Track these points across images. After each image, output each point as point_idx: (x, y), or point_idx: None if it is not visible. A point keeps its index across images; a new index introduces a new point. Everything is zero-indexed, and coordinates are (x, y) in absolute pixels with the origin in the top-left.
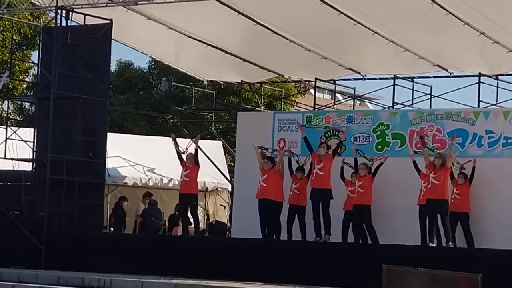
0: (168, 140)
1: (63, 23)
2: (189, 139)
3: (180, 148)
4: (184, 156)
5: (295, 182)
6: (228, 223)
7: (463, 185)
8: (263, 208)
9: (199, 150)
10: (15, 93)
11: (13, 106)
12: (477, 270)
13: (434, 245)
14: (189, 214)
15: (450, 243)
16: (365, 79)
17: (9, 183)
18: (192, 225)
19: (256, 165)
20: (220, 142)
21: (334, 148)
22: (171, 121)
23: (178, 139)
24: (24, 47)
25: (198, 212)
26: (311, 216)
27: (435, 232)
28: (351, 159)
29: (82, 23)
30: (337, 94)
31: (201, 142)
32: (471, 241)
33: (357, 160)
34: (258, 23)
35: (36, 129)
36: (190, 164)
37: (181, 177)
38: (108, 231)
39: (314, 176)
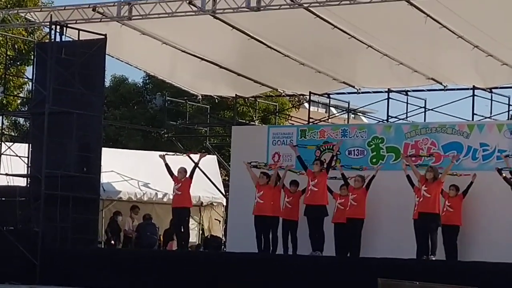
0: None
1: (57, 39)
2: (185, 154)
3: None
4: (175, 170)
5: (287, 195)
6: (223, 238)
7: (455, 197)
8: (259, 224)
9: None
10: (9, 109)
11: (8, 122)
12: (472, 283)
13: (434, 258)
14: None
15: (432, 256)
16: (359, 93)
17: (3, 199)
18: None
19: (251, 179)
20: (215, 156)
21: (327, 162)
22: (165, 135)
23: (171, 155)
24: (18, 63)
25: (193, 226)
26: (303, 231)
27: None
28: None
29: (76, 39)
30: (331, 108)
31: (196, 157)
32: (455, 253)
33: (345, 175)
34: (252, 38)
35: (30, 145)
36: (182, 178)
37: (173, 191)
38: (103, 246)
39: (309, 193)
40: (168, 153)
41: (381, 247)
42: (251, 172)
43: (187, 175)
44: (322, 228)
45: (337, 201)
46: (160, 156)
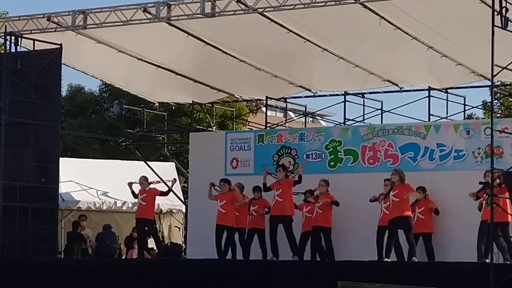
0: (121, 163)
1: (12, 49)
2: (143, 161)
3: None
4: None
5: (253, 204)
6: (183, 245)
7: (424, 200)
8: (220, 232)
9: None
10: None
11: None
12: (432, 283)
13: (389, 260)
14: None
15: (414, 258)
16: (316, 96)
17: None
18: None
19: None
20: (173, 163)
21: (296, 180)
22: (123, 144)
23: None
24: None
25: None
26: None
27: (393, 248)
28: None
29: (32, 49)
30: (289, 112)
31: (154, 164)
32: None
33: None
34: (208, 44)
35: None
36: (146, 187)
37: (137, 201)
38: (62, 257)
39: (274, 203)
40: (135, 181)
41: (342, 250)
42: (210, 189)
43: (158, 191)
44: (291, 232)
45: (304, 210)
46: (128, 184)
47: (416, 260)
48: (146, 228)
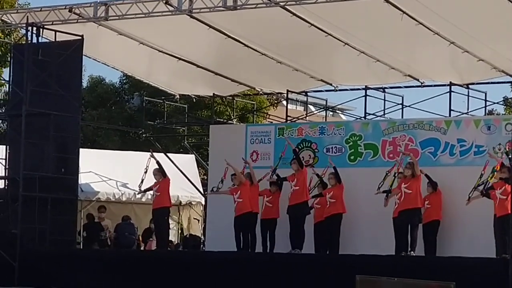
0: (141, 154)
1: (34, 40)
2: (163, 153)
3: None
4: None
5: (267, 195)
6: (202, 237)
7: (431, 194)
8: (238, 223)
9: (160, 163)
10: None
11: None
12: (450, 279)
13: (414, 254)
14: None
15: (413, 252)
16: (336, 90)
17: None
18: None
19: (229, 178)
20: (193, 155)
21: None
22: (143, 135)
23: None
24: None
25: (172, 226)
26: (283, 230)
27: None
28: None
29: (53, 40)
30: (309, 106)
31: (174, 156)
32: (434, 249)
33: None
34: (229, 37)
35: (8, 146)
36: (159, 179)
37: (153, 194)
38: (81, 247)
39: (291, 193)
40: (141, 183)
41: (361, 244)
42: (236, 168)
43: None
44: (303, 227)
45: (314, 201)
46: (140, 191)
47: (413, 254)
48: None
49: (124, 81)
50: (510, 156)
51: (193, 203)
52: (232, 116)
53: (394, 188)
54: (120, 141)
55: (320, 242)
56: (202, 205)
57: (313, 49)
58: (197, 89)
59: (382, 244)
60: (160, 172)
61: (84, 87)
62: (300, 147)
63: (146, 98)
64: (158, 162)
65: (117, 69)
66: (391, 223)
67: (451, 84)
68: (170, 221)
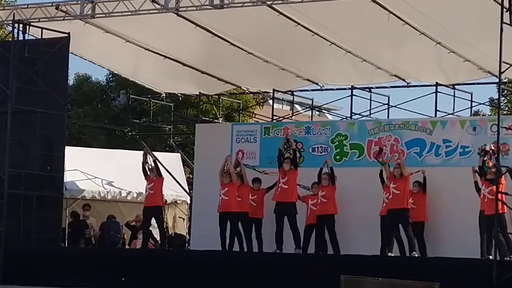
0: (127, 153)
1: (20, 37)
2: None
3: (147, 166)
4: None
5: (251, 193)
6: (187, 236)
7: (417, 194)
8: (223, 221)
9: (157, 161)
10: None
11: None
12: (435, 279)
13: (392, 254)
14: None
15: (414, 252)
16: (323, 90)
17: None
18: (157, 239)
19: (215, 177)
20: (179, 154)
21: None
22: (129, 134)
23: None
24: None
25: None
26: (269, 229)
27: (395, 242)
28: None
29: (39, 37)
30: (295, 105)
31: (160, 155)
32: (423, 250)
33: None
34: (216, 35)
35: None
36: (154, 176)
37: (145, 191)
38: (65, 245)
39: (279, 190)
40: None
41: (347, 244)
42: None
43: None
44: (296, 226)
45: (309, 202)
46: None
47: (416, 255)
48: (152, 218)
49: (110, 79)
50: (495, 156)
51: (178, 202)
52: (218, 115)
53: (385, 184)
54: (106, 139)
55: (313, 242)
56: (187, 204)
57: (299, 48)
58: (183, 87)
59: (367, 245)
60: (155, 170)
61: (70, 84)
62: (286, 147)
63: (132, 96)
64: (155, 161)
65: (103, 67)
66: (377, 224)
67: (437, 85)
68: (153, 221)
